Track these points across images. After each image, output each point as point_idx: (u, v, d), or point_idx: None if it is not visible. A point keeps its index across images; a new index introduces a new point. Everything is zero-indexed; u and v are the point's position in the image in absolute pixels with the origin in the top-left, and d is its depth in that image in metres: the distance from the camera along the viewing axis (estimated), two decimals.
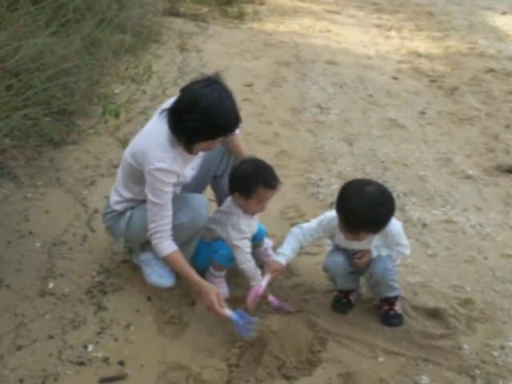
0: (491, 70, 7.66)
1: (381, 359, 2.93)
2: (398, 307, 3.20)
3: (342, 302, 3.25)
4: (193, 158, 3.11)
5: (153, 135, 2.98)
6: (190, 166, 3.12)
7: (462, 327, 3.17)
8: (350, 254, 3.16)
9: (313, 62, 7.54)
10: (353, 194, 2.91)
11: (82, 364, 2.75)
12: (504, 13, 11.10)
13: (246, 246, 3.15)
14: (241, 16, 9.18)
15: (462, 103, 6.57)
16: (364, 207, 2.83)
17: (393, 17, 10.34)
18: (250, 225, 3.18)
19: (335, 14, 10.23)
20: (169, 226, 2.99)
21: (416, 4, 11.47)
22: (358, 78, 7.11)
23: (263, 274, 3.12)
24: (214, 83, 2.88)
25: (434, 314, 3.26)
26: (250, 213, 3.17)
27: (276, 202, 4.14)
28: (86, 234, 3.65)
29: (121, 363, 2.77)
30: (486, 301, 3.40)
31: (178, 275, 3.14)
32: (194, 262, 3.26)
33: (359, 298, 3.34)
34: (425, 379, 2.82)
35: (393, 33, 9.36)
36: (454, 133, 5.77)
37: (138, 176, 3.02)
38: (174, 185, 3.01)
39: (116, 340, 2.91)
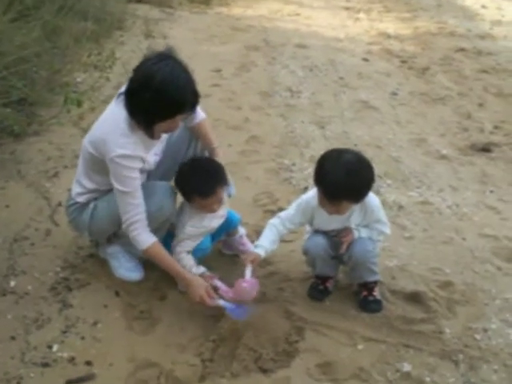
0: (461, 49, 7.59)
1: (360, 347, 2.82)
2: (376, 293, 3.09)
3: (319, 289, 3.13)
4: (155, 143, 2.96)
5: (111, 121, 2.83)
6: (153, 152, 2.97)
7: (442, 310, 3.07)
8: (330, 238, 3.03)
9: (282, 45, 7.40)
10: (331, 163, 2.80)
11: (46, 365, 2.60)
12: None
13: (182, 247, 3.03)
14: (207, 1, 9.02)
15: (434, 83, 6.48)
16: (344, 175, 2.72)
17: None
18: (199, 225, 3.04)
19: None
20: (143, 216, 2.84)
21: None
22: (329, 60, 6.99)
23: (243, 265, 2.98)
24: (166, 58, 2.73)
25: (414, 297, 3.15)
26: (201, 212, 3.04)
27: (248, 189, 4.04)
28: (49, 229, 3.49)
29: (88, 363, 2.63)
30: (466, 282, 3.30)
31: (161, 268, 3.00)
32: None
33: (337, 285, 3.22)
34: (406, 366, 2.71)
35: (362, 15, 9.26)
36: (426, 113, 5.68)
37: (99, 165, 2.86)
38: (140, 171, 2.86)
39: (82, 338, 2.76)
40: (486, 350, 2.84)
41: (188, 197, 3.01)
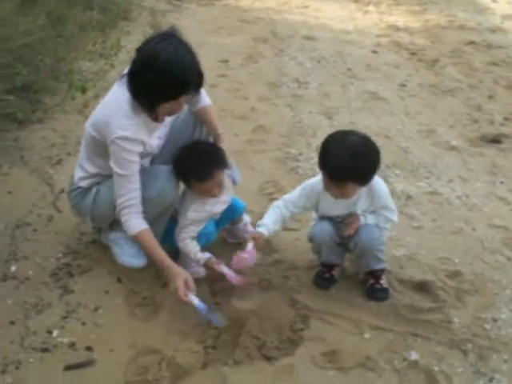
0: (472, 42, 7.49)
1: (367, 335, 2.76)
2: (383, 281, 3.03)
3: (325, 278, 3.07)
4: (159, 126, 2.91)
5: (114, 103, 2.77)
6: (156, 135, 2.91)
7: (451, 300, 3.00)
8: (336, 225, 2.97)
9: (290, 37, 7.32)
10: (336, 144, 2.74)
11: (46, 350, 2.55)
12: None
13: (187, 233, 2.96)
14: None
15: (443, 75, 6.40)
16: (349, 156, 2.66)
17: None
18: (201, 210, 2.97)
19: None
20: (138, 201, 2.78)
21: None
22: (337, 52, 6.91)
23: (244, 243, 2.93)
24: (169, 37, 2.65)
25: (422, 286, 3.08)
26: (202, 197, 2.97)
27: (254, 178, 3.98)
28: (51, 215, 3.44)
29: (88, 348, 2.58)
30: (475, 272, 3.23)
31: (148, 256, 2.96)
32: (165, 240, 3.07)
33: (343, 274, 3.15)
34: (414, 355, 2.65)
35: (371, 7, 9.16)
36: (436, 104, 5.59)
37: (101, 148, 2.81)
38: (142, 155, 2.81)
39: (83, 324, 2.71)
40: (495, 339, 2.77)
41: (186, 181, 2.95)
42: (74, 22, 5.44)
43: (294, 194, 3.02)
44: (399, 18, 8.57)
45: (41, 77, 4.62)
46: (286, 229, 3.45)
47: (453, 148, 4.71)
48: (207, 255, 2.96)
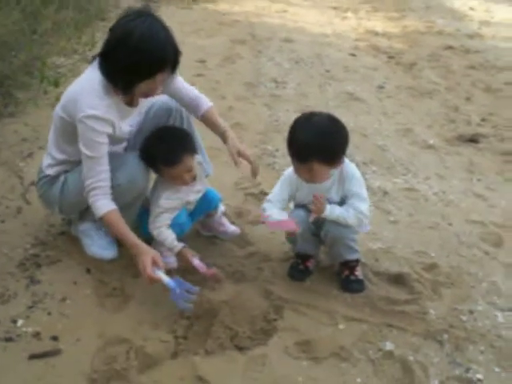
0: (450, 47, 7.51)
1: (341, 326, 2.70)
2: (358, 272, 2.98)
3: (299, 269, 3.01)
4: (132, 112, 2.84)
5: (85, 83, 2.69)
6: (128, 122, 2.85)
7: (427, 292, 2.95)
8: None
9: (268, 39, 7.30)
10: (300, 124, 2.72)
11: (9, 340, 2.47)
12: None
13: (161, 221, 2.89)
14: None
15: (421, 78, 6.40)
16: (312, 133, 2.65)
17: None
18: (174, 197, 2.91)
19: None
20: (106, 183, 2.70)
21: None
22: (315, 54, 6.90)
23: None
24: (143, 15, 2.58)
25: (397, 279, 3.04)
26: (174, 185, 2.91)
27: (230, 173, 3.91)
28: (20, 206, 3.36)
29: (54, 338, 2.50)
30: (451, 265, 3.19)
31: (117, 238, 2.88)
32: (138, 231, 3.00)
33: (318, 266, 3.10)
34: (389, 345, 2.60)
35: (349, 14, 9.18)
36: (413, 105, 5.58)
37: (70, 133, 2.73)
38: (113, 141, 2.74)
39: (49, 314, 2.63)
40: (472, 331, 2.72)
41: (156, 168, 2.87)
42: (48, 19, 5.35)
43: (275, 192, 2.95)
44: (377, 24, 8.58)
45: (13, 71, 4.53)
46: (261, 222, 3.41)
47: (430, 147, 4.69)
48: (182, 244, 2.89)
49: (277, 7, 9.07)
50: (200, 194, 3.01)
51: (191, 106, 3.06)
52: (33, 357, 2.38)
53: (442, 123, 5.19)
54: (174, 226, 2.93)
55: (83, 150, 2.67)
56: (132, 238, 2.69)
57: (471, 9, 9.95)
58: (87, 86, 2.67)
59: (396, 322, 2.73)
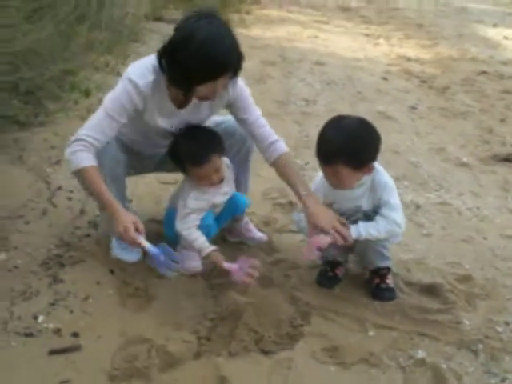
0: (484, 72, 7.41)
1: (371, 333, 2.60)
2: (389, 280, 2.88)
3: (328, 276, 2.92)
4: (174, 112, 2.77)
5: (146, 58, 2.71)
6: (169, 121, 2.79)
7: (461, 303, 2.84)
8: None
9: (299, 61, 7.28)
10: (330, 125, 2.65)
11: (30, 335, 2.40)
12: (495, 25, 10.94)
13: (190, 221, 2.81)
14: (226, 23, 8.93)
15: (454, 100, 6.31)
16: (339, 135, 2.58)
17: (381, 27, 10.14)
18: (201, 198, 2.84)
19: (322, 23, 10.01)
20: (97, 146, 2.61)
21: (404, 17, 11.29)
22: (347, 76, 6.86)
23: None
24: (210, 17, 2.51)
25: (430, 289, 2.93)
26: (201, 185, 2.85)
27: (259, 184, 3.85)
28: (46, 208, 3.32)
29: (75, 334, 2.43)
30: (486, 277, 3.08)
31: (91, 195, 2.78)
32: (164, 229, 2.96)
33: (347, 274, 3.01)
34: (421, 353, 2.49)
35: (382, 40, 9.14)
36: (446, 126, 5.49)
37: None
38: (149, 131, 2.75)
39: (71, 312, 2.57)
40: (508, 342, 2.61)
41: (183, 167, 2.81)
42: (81, 36, 5.40)
43: None
44: (410, 50, 8.53)
45: (45, 83, 4.55)
46: (288, 231, 3.34)
47: (464, 164, 4.59)
48: (213, 247, 2.80)
49: (308, 33, 9.08)
50: (227, 197, 2.95)
51: (263, 146, 2.93)
52: (53, 352, 2.32)
53: (476, 144, 5.08)
54: (199, 228, 2.87)
55: (105, 101, 2.64)
56: (109, 196, 2.58)
57: (505, 38, 9.87)
58: (145, 60, 2.68)
59: (428, 331, 2.63)
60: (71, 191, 3.51)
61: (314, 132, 4.83)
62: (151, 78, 2.63)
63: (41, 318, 2.49)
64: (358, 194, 2.76)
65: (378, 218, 2.71)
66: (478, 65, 7.86)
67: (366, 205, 2.77)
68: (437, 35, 9.76)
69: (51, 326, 2.46)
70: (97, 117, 2.65)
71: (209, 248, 2.78)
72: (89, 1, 6.18)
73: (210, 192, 2.85)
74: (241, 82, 2.85)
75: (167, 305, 2.67)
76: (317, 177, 2.94)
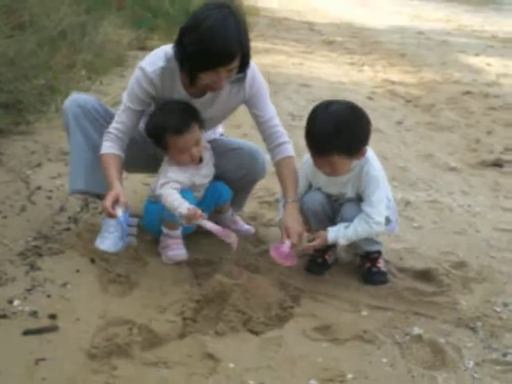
0: (468, 92, 7.39)
1: (364, 313, 2.50)
2: (381, 264, 2.78)
3: (318, 262, 2.82)
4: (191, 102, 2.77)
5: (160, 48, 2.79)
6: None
7: (457, 286, 2.74)
8: (329, 199, 2.74)
9: (285, 84, 7.25)
10: (319, 113, 2.55)
11: (3, 317, 2.28)
12: (477, 54, 11.02)
13: (169, 187, 2.69)
14: None
15: (440, 117, 6.26)
16: (331, 125, 2.47)
17: (365, 57, 10.16)
18: (181, 172, 2.74)
19: (307, 53, 10.03)
20: (122, 135, 2.75)
21: (388, 49, 11.35)
22: (332, 95, 6.70)
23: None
24: (222, 6, 2.51)
25: (424, 274, 2.83)
26: (180, 163, 2.75)
27: None
28: (24, 205, 3.21)
29: (52, 316, 2.30)
30: (482, 265, 2.98)
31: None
32: (143, 221, 2.85)
33: (338, 262, 2.90)
34: (417, 330, 2.38)
35: (366, 68, 9.15)
36: (433, 137, 5.42)
37: None
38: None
39: (48, 296, 2.45)
40: (508, 320, 2.50)
41: (162, 139, 2.71)
42: (63, 51, 5.36)
43: None
44: (394, 75, 8.53)
45: (26, 96, 4.48)
46: (275, 225, 3.23)
47: (452, 169, 4.51)
48: (192, 205, 2.64)
49: (293, 61, 9.09)
50: (207, 180, 2.86)
51: (270, 146, 2.95)
52: (27, 332, 2.19)
53: (464, 152, 5.02)
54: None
55: (125, 92, 2.76)
56: (111, 178, 2.67)
57: (488, 64, 9.92)
58: (159, 49, 2.76)
59: (424, 311, 2.52)
60: (51, 191, 3.41)
61: (301, 142, 4.80)
62: (161, 64, 2.68)
63: (16, 302, 2.37)
64: (343, 180, 2.68)
65: (357, 219, 2.63)
66: (463, 86, 7.85)
67: (350, 192, 2.71)
68: (420, 63, 9.80)
69: (27, 308, 2.33)
70: (119, 109, 2.79)
71: (187, 207, 2.61)
72: (71, 25, 6.18)
73: (190, 171, 2.76)
74: (261, 78, 2.86)
75: (151, 290, 2.55)
76: (303, 158, 2.85)
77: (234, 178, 2.98)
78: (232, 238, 2.63)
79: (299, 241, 2.64)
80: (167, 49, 2.69)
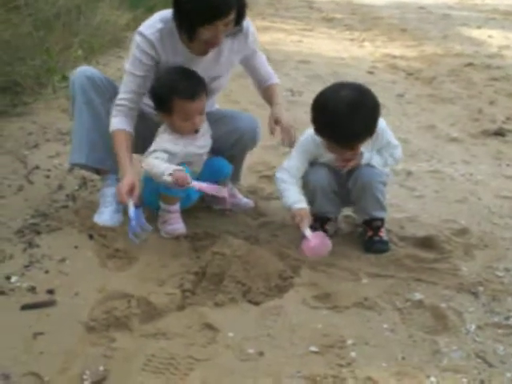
0: (470, 64, 7.33)
1: (365, 281, 2.48)
2: (383, 233, 2.75)
3: None
4: (195, 60, 2.75)
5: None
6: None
7: (458, 252, 2.72)
8: (336, 173, 2.74)
9: (284, 61, 7.18)
10: (340, 110, 2.47)
11: (1, 293, 2.26)
12: (479, 27, 10.92)
13: (155, 155, 2.66)
14: None
15: (442, 89, 6.21)
16: (358, 124, 2.47)
17: (365, 33, 10.07)
18: (175, 142, 2.70)
19: (307, 31, 9.95)
20: (132, 105, 2.72)
21: (388, 24, 11.25)
22: (332, 72, 6.76)
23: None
24: None
25: (425, 242, 2.80)
26: (180, 132, 2.72)
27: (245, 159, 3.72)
28: (22, 184, 3.19)
29: (50, 292, 2.29)
30: (484, 231, 2.95)
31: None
32: (143, 195, 2.82)
33: (339, 232, 2.88)
34: (418, 296, 2.36)
35: (366, 43, 9.08)
36: (434, 109, 5.38)
37: None
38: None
39: (46, 272, 2.43)
40: (509, 284, 2.48)
41: (166, 103, 2.65)
42: (59, 37, 5.31)
43: (292, 160, 2.80)
44: (395, 50, 8.45)
45: (23, 78, 4.45)
46: (275, 198, 3.21)
47: (454, 139, 4.47)
48: (179, 167, 2.61)
49: (292, 38, 9.01)
50: (203, 151, 2.81)
51: (260, 80, 3.10)
52: (25, 307, 2.18)
53: (466, 122, 4.97)
54: (180, 192, 2.73)
55: (126, 62, 2.75)
56: (124, 160, 2.64)
57: (490, 37, 9.83)
58: (155, 14, 2.73)
59: (425, 277, 2.50)
60: (49, 170, 3.39)
61: (301, 116, 4.78)
62: (159, 26, 2.67)
63: (14, 279, 2.36)
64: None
65: (382, 155, 2.74)
66: (464, 58, 7.78)
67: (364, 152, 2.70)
68: (421, 37, 9.71)
69: (25, 284, 2.32)
70: (123, 79, 2.76)
71: (171, 168, 2.58)
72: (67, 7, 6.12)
73: (184, 141, 2.72)
74: (252, 28, 2.93)
75: (149, 265, 2.53)
76: (301, 138, 2.83)
77: (226, 144, 2.93)
78: (223, 192, 2.68)
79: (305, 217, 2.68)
80: (162, 13, 2.70)
